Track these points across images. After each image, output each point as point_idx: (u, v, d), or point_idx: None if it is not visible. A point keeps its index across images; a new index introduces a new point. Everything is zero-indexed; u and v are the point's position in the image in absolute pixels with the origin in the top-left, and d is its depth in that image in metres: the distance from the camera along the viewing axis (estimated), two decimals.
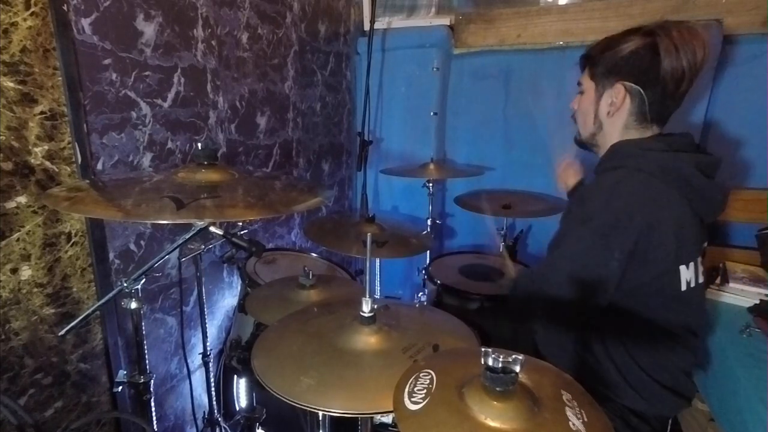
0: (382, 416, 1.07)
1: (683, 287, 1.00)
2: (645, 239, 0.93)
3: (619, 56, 1.01)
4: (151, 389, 1.01)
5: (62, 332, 0.88)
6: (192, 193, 0.81)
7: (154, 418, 1.04)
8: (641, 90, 1.00)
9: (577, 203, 1.09)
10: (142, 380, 0.99)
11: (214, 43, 1.40)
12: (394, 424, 1.10)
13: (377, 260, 1.76)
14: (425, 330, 0.88)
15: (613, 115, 1.05)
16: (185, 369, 1.43)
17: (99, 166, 1.09)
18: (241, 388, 1.37)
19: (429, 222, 2.08)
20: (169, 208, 0.74)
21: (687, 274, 1.00)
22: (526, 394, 0.56)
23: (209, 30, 1.37)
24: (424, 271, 1.83)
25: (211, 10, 1.37)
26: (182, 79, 1.29)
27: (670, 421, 1.11)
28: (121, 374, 1.01)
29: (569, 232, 1.05)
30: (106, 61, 1.08)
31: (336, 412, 0.66)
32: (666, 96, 1.00)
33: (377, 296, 1.74)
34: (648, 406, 1.03)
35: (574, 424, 0.53)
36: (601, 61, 1.04)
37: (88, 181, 0.99)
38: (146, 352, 0.99)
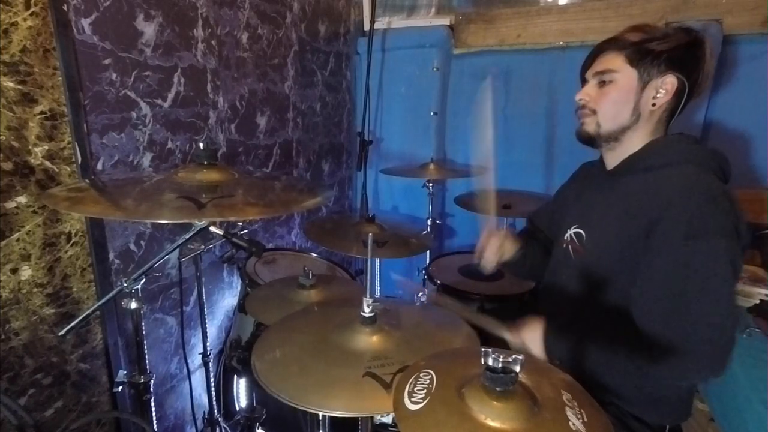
0: (382, 416, 1.07)
1: None
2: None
3: (673, 45, 0.92)
4: (151, 389, 1.01)
5: (62, 332, 0.88)
6: (195, 193, 0.81)
7: (154, 418, 1.04)
8: (687, 86, 0.93)
9: (672, 217, 0.87)
10: (142, 380, 0.98)
11: (214, 43, 1.39)
12: (394, 424, 1.10)
13: (377, 260, 1.76)
14: (426, 331, 0.88)
15: (656, 107, 0.96)
16: (185, 369, 1.43)
17: (99, 166, 1.09)
18: (241, 388, 1.37)
19: (429, 222, 2.08)
20: (190, 208, 0.74)
21: None
22: (526, 394, 0.56)
23: (209, 30, 1.37)
24: (424, 271, 1.83)
25: (211, 10, 1.37)
26: (182, 79, 1.29)
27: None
28: (121, 374, 1.01)
29: (691, 257, 0.83)
30: (106, 61, 1.08)
31: (336, 413, 0.66)
32: (690, 99, 0.95)
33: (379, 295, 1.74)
34: (658, 417, 0.99)
35: (574, 424, 0.53)
36: (647, 47, 0.93)
37: (87, 180, 0.99)
38: (146, 352, 0.99)
